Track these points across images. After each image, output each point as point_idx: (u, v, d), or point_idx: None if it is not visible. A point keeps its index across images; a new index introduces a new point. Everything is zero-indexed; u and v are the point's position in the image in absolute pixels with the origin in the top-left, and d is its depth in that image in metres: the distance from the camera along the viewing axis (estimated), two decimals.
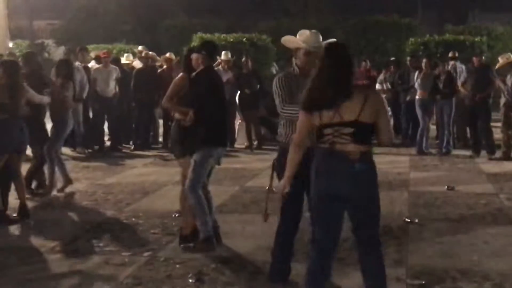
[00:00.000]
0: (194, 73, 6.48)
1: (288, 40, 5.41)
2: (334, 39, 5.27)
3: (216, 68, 11.28)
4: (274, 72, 18.23)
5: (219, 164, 6.76)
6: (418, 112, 12.84)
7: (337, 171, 4.34)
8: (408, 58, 15.43)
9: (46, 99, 8.64)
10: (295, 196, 5.07)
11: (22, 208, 7.83)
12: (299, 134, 4.54)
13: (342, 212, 4.48)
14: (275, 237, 5.53)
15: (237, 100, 13.81)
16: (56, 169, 9.24)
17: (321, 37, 5.31)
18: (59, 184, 9.35)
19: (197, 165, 6.34)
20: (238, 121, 14.32)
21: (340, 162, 4.32)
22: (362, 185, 4.37)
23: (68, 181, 9.34)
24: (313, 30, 5.38)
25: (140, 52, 14.88)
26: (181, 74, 6.75)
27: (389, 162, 11.31)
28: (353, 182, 4.33)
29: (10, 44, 19.23)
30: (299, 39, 5.31)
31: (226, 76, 13.12)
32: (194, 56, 6.55)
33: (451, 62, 14.77)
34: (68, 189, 9.35)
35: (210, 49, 6.59)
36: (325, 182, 4.37)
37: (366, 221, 4.48)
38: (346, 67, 4.40)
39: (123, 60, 14.83)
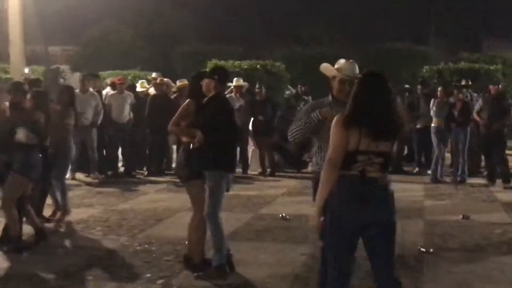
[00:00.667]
0: (205, 99, 6.46)
1: (325, 68, 5.51)
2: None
3: (228, 96, 11.35)
4: (288, 93, 18.26)
5: (227, 190, 6.75)
6: (434, 140, 12.76)
7: (369, 197, 4.30)
8: (419, 86, 15.23)
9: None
10: None
11: (39, 232, 7.83)
12: (334, 152, 4.31)
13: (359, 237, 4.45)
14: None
15: (250, 127, 13.83)
16: (57, 194, 9.19)
17: (357, 67, 5.35)
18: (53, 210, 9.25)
19: (212, 190, 6.33)
20: (251, 148, 14.31)
21: (372, 188, 4.31)
22: (390, 210, 4.38)
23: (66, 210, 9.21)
24: (350, 60, 5.45)
25: (155, 79, 14.94)
26: (188, 100, 6.71)
27: (403, 190, 11.19)
28: (383, 207, 4.34)
29: (26, 70, 19.37)
30: (335, 67, 5.38)
31: (238, 103, 13.17)
32: (205, 81, 6.47)
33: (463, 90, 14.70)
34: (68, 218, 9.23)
35: (222, 75, 6.59)
36: (356, 207, 4.28)
37: (383, 250, 4.40)
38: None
39: (138, 87, 14.90)
